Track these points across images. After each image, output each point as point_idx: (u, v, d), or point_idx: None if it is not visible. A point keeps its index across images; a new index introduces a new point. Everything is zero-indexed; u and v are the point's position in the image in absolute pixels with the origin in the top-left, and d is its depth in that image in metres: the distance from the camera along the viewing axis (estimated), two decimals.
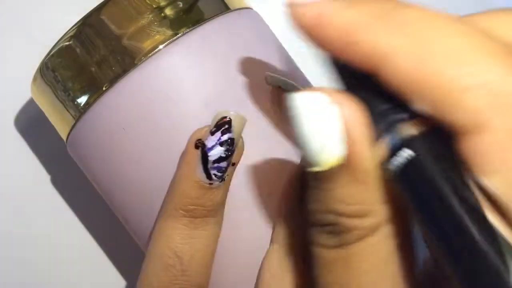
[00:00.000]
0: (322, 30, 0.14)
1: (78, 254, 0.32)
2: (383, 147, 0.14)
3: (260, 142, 0.22)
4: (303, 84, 0.25)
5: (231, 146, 0.20)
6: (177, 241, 0.20)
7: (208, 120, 0.21)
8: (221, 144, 0.20)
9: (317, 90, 0.14)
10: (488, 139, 0.12)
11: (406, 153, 0.14)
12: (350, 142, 0.14)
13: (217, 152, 0.20)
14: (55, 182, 0.32)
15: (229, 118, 0.20)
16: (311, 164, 0.15)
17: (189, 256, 0.20)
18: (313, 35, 0.15)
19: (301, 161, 0.17)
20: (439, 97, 0.13)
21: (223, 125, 0.20)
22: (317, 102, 0.14)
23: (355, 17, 0.14)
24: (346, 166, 0.14)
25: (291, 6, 0.15)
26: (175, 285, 0.20)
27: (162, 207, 0.22)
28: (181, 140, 0.21)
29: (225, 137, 0.20)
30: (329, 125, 0.14)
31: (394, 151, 0.14)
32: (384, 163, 0.14)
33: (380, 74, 0.14)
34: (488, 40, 0.13)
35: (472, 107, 0.12)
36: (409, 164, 0.14)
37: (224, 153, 0.20)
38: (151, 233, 0.22)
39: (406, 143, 0.14)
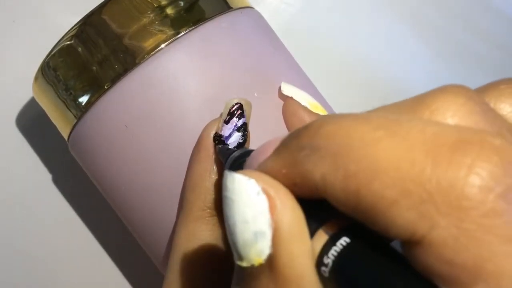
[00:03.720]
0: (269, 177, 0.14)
1: (79, 253, 0.32)
2: (316, 244, 0.13)
3: (263, 140, 0.22)
4: (303, 83, 0.25)
5: (246, 130, 0.20)
6: (211, 242, 0.20)
7: (209, 118, 0.21)
8: (238, 129, 0.20)
9: (251, 174, 0.13)
10: (428, 251, 0.11)
11: (343, 240, 0.12)
12: (277, 240, 0.13)
13: (235, 138, 0.20)
14: (57, 181, 0.32)
15: (240, 103, 0.20)
16: (236, 257, 0.13)
17: (223, 257, 0.20)
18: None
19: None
20: (370, 216, 0.12)
21: (236, 110, 0.20)
22: (248, 188, 0.13)
23: (284, 161, 0.13)
24: (271, 267, 0.13)
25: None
26: None
27: (185, 208, 0.21)
28: (183, 138, 0.21)
29: (240, 122, 0.20)
30: (256, 217, 0.13)
31: (330, 244, 0.13)
32: (318, 261, 0.13)
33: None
34: (411, 131, 0.12)
35: (402, 223, 0.11)
36: (347, 251, 0.12)
37: (241, 139, 0.20)
38: (158, 231, 0.22)
39: (341, 233, 0.13)
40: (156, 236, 0.23)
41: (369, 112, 0.13)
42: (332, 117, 0.13)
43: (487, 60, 0.39)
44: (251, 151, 0.17)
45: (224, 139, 0.20)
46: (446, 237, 0.11)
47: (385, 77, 0.37)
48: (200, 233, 0.20)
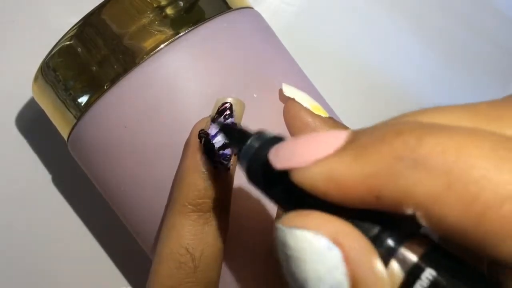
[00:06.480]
0: (338, 191, 0.12)
1: (79, 254, 0.32)
2: (393, 278, 0.12)
3: None
4: (306, 86, 0.25)
5: None
6: (188, 237, 0.20)
7: None
8: None
9: (314, 225, 0.12)
10: None
11: (428, 273, 0.11)
12: None
13: (221, 138, 0.20)
14: (56, 181, 0.32)
15: (230, 103, 0.20)
16: None
17: (200, 252, 0.20)
18: (329, 196, 0.12)
19: None
20: (487, 243, 0.11)
21: (224, 110, 0.20)
22: (317, 245, 0.12)
23: (372, 168, 0.12)
24: None
25: (293, 171, 0.13)
26: (188, 283, 0.20)
27: (169, 204, 0.21)
28: (183, 138, 0.21)
29: (228, 122, 0.20)
30: (331, 271, 0.12)
31: (412, 276, 0.12)
32: None
33: (420, 219, 0.11)
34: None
35: None
36: (435, 284, 0.11)
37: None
38: (159, 232, 0.22)
39: (423, 264, 0.12)
40: (156, 236, 0.23)
41: (451, 127, 0.12)
42: (436, 128, 0.12)
43: (490, 61, 0.39)
44: (280, 138, 0.14)
45: (210, 138, 0.20)
46: None
47: (386, 77, 0.37)
48: (181, 227, 0.20)
